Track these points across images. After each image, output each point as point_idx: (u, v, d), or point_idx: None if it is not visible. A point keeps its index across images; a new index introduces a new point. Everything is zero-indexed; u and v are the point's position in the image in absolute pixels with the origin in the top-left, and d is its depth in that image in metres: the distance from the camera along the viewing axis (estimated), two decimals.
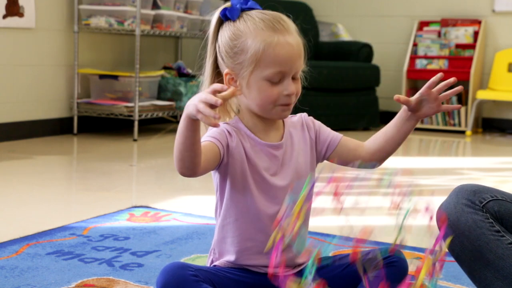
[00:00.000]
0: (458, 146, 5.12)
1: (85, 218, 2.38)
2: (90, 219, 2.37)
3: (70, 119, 4.67)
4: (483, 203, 1.39)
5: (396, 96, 1.46)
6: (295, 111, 1.52)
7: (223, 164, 1.43)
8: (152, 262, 1.91)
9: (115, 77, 4.62)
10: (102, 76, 4.66)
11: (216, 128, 1.40)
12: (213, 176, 1.50)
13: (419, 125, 5.71)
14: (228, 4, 1.45)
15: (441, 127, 5.73)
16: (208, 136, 1.42)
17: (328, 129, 1.57)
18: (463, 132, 5.59)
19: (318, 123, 1.57)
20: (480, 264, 1.38)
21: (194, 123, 1.27)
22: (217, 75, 1.48)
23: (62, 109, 4.65)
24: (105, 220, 2.37)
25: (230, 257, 1.49)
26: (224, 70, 1.45)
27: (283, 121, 1.53)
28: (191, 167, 1.32)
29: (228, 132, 1.44)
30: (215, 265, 1.51)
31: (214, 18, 1.47)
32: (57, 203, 2.73)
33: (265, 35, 1.41)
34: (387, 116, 5.92)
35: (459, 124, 5.66)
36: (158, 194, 2.90)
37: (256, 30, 1.42)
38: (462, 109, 5.62)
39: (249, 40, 1.41)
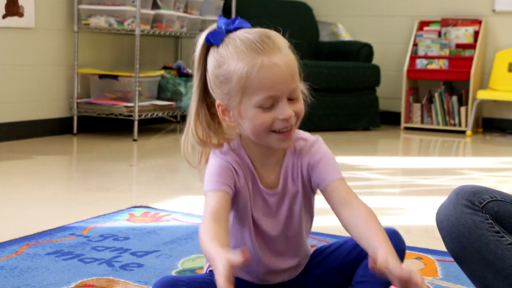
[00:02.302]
0: (458, 146, 5.12)
1: (85, 218, 2.38)
2: (90, 219, 2.37)
3: (70, 119, 4.67)
4: (483, 204, 1.39)
5: (370, 265, 1.20)
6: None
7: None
8: (152, 262, 1.91)
9: (115, 77, 4.62)
10: (102, 76, 4.66)
11: (222, 164, 1.35)
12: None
13: (419, 125, 5.73)
14: (213, 27, 1.35)
15: (441, 127, 5.73)
16: (217, 180, 1.34)
17: (330, 164, 1.40)
18: (463, 132, 5.59)
19: (322, 154, 1.41)
20: (480, 265, 1.38)
21: None
22: (205, 106, 1.39)
23: (62, 109, 4.65)
24: (105, 220, 2.37)
25: None
26: (216, 100, 1.35)
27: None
28: None
29: (235, 170, 1.37)
30: (211, 270, 1.49)
31: (199, 43, 1.36)
32: (56, 203, 2.73)
33: (247, 59, 1.29)
34: (387, 116, 5.96)
35: (460, 124, 5.66)
36: (158, 194, 2.90)
37: (238, 53, 1.30)
38: (463, 109, 5.62)
39: (231, 66, 1.30)
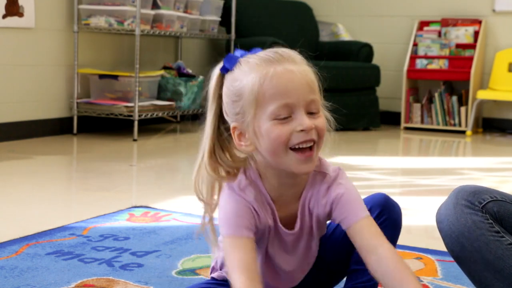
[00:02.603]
0: (458, 146, 5.12)
1: (85, 218, 2.38)
2: (90, 219, 2.37)
3: (70, 119, 4.67)
4: (483, 204, 1.39)
5: None
6: None
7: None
8: (152, 262, 1.91)
9: (115, 77, 4.62)
10: (102, 76, 4.66)
11: (241, 204, 1.26)
12: None
13: (419, 125, 5.73)
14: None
15: (441, 127, 5.73)
16: (238, 224, 1.26)
17: (353, 201, 1.31)
18: (463, 132, 5.59)
19: (349, 188, 1.33)
20: (480, 265, 1.38)
21: None
22: (219, 134, 1.30)
23: (62, 109, 4.65)
24: (105, 220, 2.37)
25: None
26: (231, 125, 1.28)
27: (304, 182, 1.33)
28: None
29: (255, 210, 1.28)
30: (213, 277, 1.49)
31: (214, 74, 1.30)
32: (56, 203, 2.73)
33: (260, 69, 1.23)
34: (387, 116, 5.96)
35: (460, 124, 5.66)
36: (158, 194, 2.90)
37: (251, 68, 1.24)
38: (463, 109, 5.62)
39: (243, 81, 1.24)
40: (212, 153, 1.30)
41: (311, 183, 1.33)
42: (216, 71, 1.30)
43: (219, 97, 1.29)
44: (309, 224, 1.36)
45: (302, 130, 1.22)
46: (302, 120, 1.22)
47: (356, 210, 1.29)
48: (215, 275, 1.50)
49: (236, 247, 1.25)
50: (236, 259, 1.24)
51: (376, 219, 1.39)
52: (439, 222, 1.44)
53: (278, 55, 1.25)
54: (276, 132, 1.22)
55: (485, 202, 1.39)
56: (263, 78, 1.22)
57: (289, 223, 1.35)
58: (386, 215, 1.40)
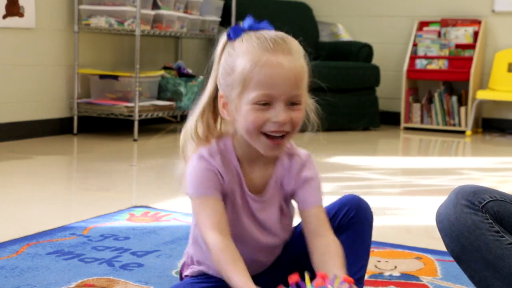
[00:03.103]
0: (458, 146, 5.12)
1: (85, 218, 2.38)
2: (90, 219, 2.37)
3: (70, 119, 4.67)
4: (483, 204, 1.39)
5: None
6: None
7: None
8: (152, 262, 1.91)
9: (115, 77, 4.62)
10: (102, 76, 4.66)
11: (207, 169, 1.34)
12: None
13: (418, 125, 5.73)
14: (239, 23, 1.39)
15: (441, 127, 5.73)
16: (205, 186, 1.33)
17: (315, 188, 1.41)
18: (463, 132, 5.59)
19: (314, 175, 1.42)
20: (480, 265, 1.38)
21: None
22: (215, 99, 1.40)
23: (62, 109, 4.65)
24: (105, 220, 2.37)
25: (207, 269, 1.46)
26: (219, 91, 1.37)
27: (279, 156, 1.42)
28: None
29: (221, 175, 1.36)
30: (186, 275, 1.49)
31: (221, 39, 1.39)
32: (57, 203, 2.73)
33: (255, 54, 1.30)
34: (387, 116, 5.95)
35: (459, 124, 5.66)
36: (158, 194, 2.90)
37: (248, 48, 1.31)
38: (462, 109, 5.62)
39: (239, 59, 1.31)
40: (203, 114, 1.40)
41: (284, 161, 1.42)
42: (224, 37, 1.38)
43: (220, 63, 1.37)
44: (278, 197, 1.42)
45: (275, 122, 1.29)
46: (279, 113, 1.29)
47: (317, 196, 1.40)
48: (188, 272, 1.50)
49: (206, 206, 1.32)
50: (207, 217, 1.31)
51: (345, 216, 1.45)
52: (439, 222, 1.44)
53: (277, 45, 1.31)
54: (253, 116, 1.29)
55: (485, 202, 1.39)
56: (255, 65, 1.29)
57: (258, 192, 1.41)
58: (354, 212, 1.46)
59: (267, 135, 1.31)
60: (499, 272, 1.36)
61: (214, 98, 1.39)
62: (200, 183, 1.34)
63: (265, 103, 1.29)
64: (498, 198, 1.40)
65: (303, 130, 1.39)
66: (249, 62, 1.29)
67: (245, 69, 1.29)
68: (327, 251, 1.34)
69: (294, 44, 1.34)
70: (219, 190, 1.35)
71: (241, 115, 1.31)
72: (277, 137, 1.32)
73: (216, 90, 1.38)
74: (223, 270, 1.27)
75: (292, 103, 1.31)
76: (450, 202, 1.42)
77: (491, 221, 1.38)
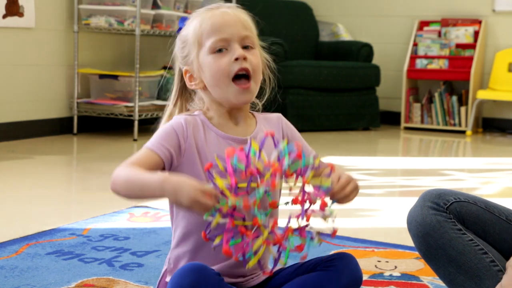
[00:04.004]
0: (458, 146, 5.12)
1: (85, 218, 2.38)
2: (90, 219, 2.37)
3: (70, 119, 4.67)
4: (447, 205, 1.49)
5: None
6: (284, 110, 1.46)
7: (173, 168, 1.38)
8: (152, 262, 1.91)
9: (115, 77, 4.62)
10: (102, 76, 4.66)
11: (170, 126, 1.38)
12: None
13: (419, 125, 5.73)
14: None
15: (441, 127, 5.73)
16: (159, 143, 1.36)
17: (304, 142, 1.49)
18: (463, 132, 5.59)
19: (294, 129, 1.51)
20: (444, 261, 1.48)
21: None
22: (184, 85, 1.48)
23: (62, 109, 4.65)
24: (105, 220, 2.38)
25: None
26: (183, 69, 1.45)
27: (256, 118, 1.47)
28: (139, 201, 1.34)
29: (184, 127, 1.38)
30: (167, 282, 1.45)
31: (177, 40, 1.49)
32: (57, 203, 2.73)
33: (200, 15, 1.43)
34: (387, 116, 5.95)
35: (460, 124, 5.66)
36: None
37: (193, 17, 1.44)
38: (463, 109, 5.63)
39: (188, 28, 1.43)
40: (176, 101, 1.50)
41: (262, 117, 1.49)
42: (177, 39, 1.49)
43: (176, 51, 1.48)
44: (267, 146, 1.40)
45: (236, 59, 1.37)
46: (235, 51, 1.37)
47: (308, 147, 1.46)
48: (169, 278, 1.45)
49: (144, 154, 1.36)
50: (135, 157, 1.36)
51: (328, 262, 1.40)
52: (408, 223, 1.54)
53: (220, 5, 1.44)
54: (215, 64, 1.38)
55: (449, 203, 1.49)
56: (202, 20, 1.41)
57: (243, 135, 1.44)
58: (337, 262, 1.40)
59: (235, 82, 1.38)
60: (461, 267, 1.46)
61: (183, 84, 1.47)
62: (157, 140, 1.37)
63: (221, 49, 1.38)
64: (461, 200, 1.50)
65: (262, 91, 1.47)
66: (197, 23, 1.41)
67: (195, 29, 1.41)
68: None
69: (232, 5, 1.45)
70: (173, 151, 1.37)
71: (205, 71, 1.39)
72: (244, 80, 1.38)
73: (181, 75, 1.47)
74: (128, 179, 1.31)
75: (246, 47, 1.39)
76: (418, 205, 1.52)
77: (454, 220, 1.48)
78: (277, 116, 1.51)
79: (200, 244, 1.38)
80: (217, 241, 1.24)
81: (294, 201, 1.27)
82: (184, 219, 1.42)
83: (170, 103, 1.50)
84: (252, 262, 1.25)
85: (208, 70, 1.38)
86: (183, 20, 1.48)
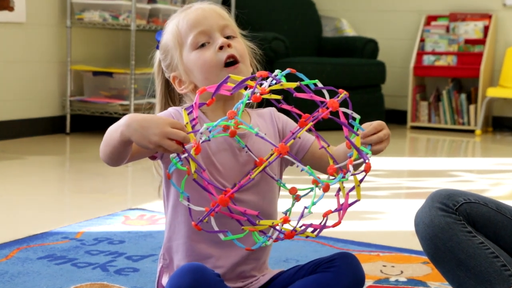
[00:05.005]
0: (467, 146, 5.12)
1: (78, 221, 2.38)
2: (84, 222, 2.38)
3: (63, 117, 4.67)
4: (457, 206, 1.49)
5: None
6: (284, 112, 1.47)
7: (165, 155, 1.38)
8: (148, 267, 1.91)
9: (110, 74, 4.62)
10: (96, 73, 4.66)
11: (165, 113, 1.42)
12: (161, 166, 1.47)
13: (426, 124, 5.73)
14: None
15: (449, 126, 5.73)
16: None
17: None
18: (472, 132, 5.60)
19: (286, 118, 1.52)
20: (453, 264, 1.48)
21: (131, 143, 1.27)
22: (169, 92, 1.52)
23: (54, 108, 4.65)
24: (99, 223, 2.38)
25: (180, 261, 1.43)
26: (171, 76, 1.47)
27: (249, 115, 1.48)
28: (118, 161, 1.33)
29: (174, 118, 1.39)
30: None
31: (155, 57, 1.53)
32: (49, 205, 2.73)
33: (175, 18, 1.45)
34: (393, 115, 5.96)
35: (468, 123, 5.66)
36: (154, 196, 2.89)
37: (168, 24, 1.46)
38: (472, 107, 5.63)
39: (165, 35, 1.45)
40: (161, 108, 1.55)
41: (255, 112, 1.49)
42: (156, 53, 1.52)
43: (162, 71, 1.51)
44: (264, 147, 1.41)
45: (221, 48, 1.38)
46: (218, 39, 1.39)
47: (306, 134, 1.46)
48: (166, 279, 1.47)
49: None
50: None
51: (329, 262, 1.40)
52: (416, 225, 1.54)
53: (191, 4, 1.46)
54: (200, 58, 1.39)
55: (459, 205, 1.49)
56: (178, 21, 1.43)
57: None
58: (338, 262, 1.41)
59: (226, 67, 1.39)
60: (471, 271, 1.46)
61: (168, 91, 1.52)
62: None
63: (204, 43, 1.40)
64: (471, 201, 1.50)
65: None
66: (173, 25, 1.43)
67: (173, 32, 1.42)
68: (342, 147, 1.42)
69: (207, 2, 1.47)
70: None
71: (192, 69, 1.41)
72: (232, 63, 1.39)
73: (165, 84, 1.51)
74: (104, 140, 1.33)
75: (228, 37, 1.41)
76: (426, 206, 1.52)
77: (464, 222, 1.48)
78: (269, 110, 1.52)
79: (193, 231, 1.39)
80: (206, 220, 1.21)
81: (330, 171, 1.24)
82: (176, 208, 1.44)
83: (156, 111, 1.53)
84: (231, 237, 1.24)
85: (195, 66, 1.40)
86: (159, 33, 1.51)
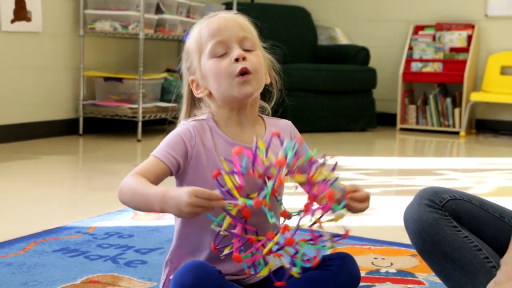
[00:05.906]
0: (452, 147, 5.11)
1: (91, 217, 2.38)
2: (95, 218, 2.37)
3: (76, 120, 4.67)
4: (443, 203, 1.50)
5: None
6: (284, 112, 1.46)
7: (180, 173, 1.38)
8: (156, 259, 1.91)
9: (120, 80, 4.62)
10: (107, 79, 4.66)
11: (177, 133, 1.37)
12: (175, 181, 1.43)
13: (414, 126, 5.73)
14: None
15: (435, 128, 5.72)
16: (166, 151, 1.35)
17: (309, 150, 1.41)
18: (457, 133, 5.59)
19: (301, 138, 1.42)
20: (440, 257, 1.49)
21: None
22: (192, 100, 1.47)
23: (68, 111, 4.65)
24: (109, 218, 2.37)
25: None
26: (189, 81, 1.44)
27: (265, 123, 1.45)
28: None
29: (192, 134, 1.37)
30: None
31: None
32: (63, 202, 2.73)
33: (199, 24, 1.41)
34: (384, 118, 5.96)
35: (453, 125, 5.66)
36: None
37: (193, 29, 1.43)
38: (456, 111, 5.62)
39: (189, 40, 1.43)
40: (186, 112, 1.48)
41: (272, 122, 1.46)
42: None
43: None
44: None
45: (236, 60, 1.34)
46: (234, 51, 1.35)
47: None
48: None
49: (151, 163, 1.35)
50: (141, 166, 1.35)
51: (327, 261, 1.39)
52: (405, 220, 1.54)
53: (216, 12, 1.43)
54: (217, 67, 1.36)
55: (445, 201, 1.50)
56: (201, 28, 1.40)
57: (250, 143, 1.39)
58: (337, 262, 1.39)
59: (235, 78, 1.35)
60: (456, 263, 1.47)
61: (192, 95, 1.45)
62: (163, 148, 1.36)
63: (222, 54, 1.36)
64: (457, 197, 1.51)
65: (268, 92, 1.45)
66: (197, 31, 1.40)
67: (195, 38, 1.40)
68: None
69: (231, 12, 1.43)
70: (179, 158, 1.35)
71: (208, 76, 1.37)
72: (245, 74, 1.35)
73: (189, 86, 1.45)
74: (134, 192, 1.30)
75: (247, 50, 1.37)
76: (414, 202, 1.53)
77: (450, 217, 1.48)
78: (286, 123, 1.49)
79: (201, 242, 1.39)
80: (226, 251, 1.23)
81: (306, 207, 1.25)
82: (186, 220, 1.41)
83: (182, 114, 1.48)
84: (263, 272, 1.23)
85: (210, 73, 1.36)
86: (187, 34, 1.48)
